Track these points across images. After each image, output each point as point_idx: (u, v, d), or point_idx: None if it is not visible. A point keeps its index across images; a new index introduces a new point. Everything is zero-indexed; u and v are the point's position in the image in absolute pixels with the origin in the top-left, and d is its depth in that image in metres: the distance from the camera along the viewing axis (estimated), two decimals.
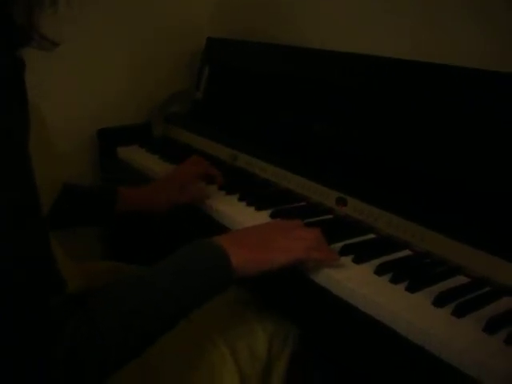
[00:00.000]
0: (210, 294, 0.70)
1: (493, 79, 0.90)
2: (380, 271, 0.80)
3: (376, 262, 0.82)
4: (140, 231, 1.12)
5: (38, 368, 0.55)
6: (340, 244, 0.87)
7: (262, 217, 1.00)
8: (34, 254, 0.56)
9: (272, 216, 0.99)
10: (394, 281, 0.78)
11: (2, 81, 0.54)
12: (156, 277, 0.66)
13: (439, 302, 0.72)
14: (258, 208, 1.03)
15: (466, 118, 0.92)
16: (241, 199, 1.07)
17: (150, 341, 0.64)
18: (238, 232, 0.83)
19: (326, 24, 1.37)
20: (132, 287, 0.65)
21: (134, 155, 1.42)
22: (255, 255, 0.73)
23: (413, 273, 0.79)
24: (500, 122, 0.88)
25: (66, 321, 0.56)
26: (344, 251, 0.86)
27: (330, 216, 1.01)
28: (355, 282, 0.77)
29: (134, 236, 1.02)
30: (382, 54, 1.09)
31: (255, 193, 1.10)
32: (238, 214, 1.02)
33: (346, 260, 0.84)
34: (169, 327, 0.66)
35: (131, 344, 0.62)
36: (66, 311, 0.57)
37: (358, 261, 0.83)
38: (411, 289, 0.75)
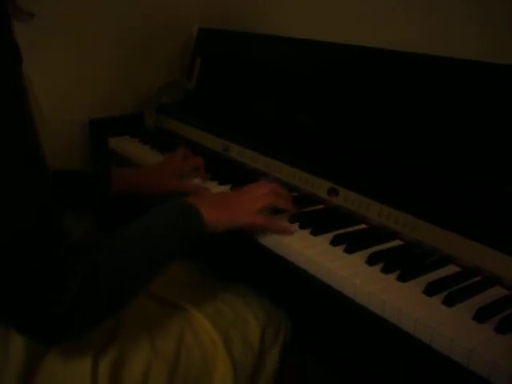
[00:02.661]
0: (187, 244, 0.78)
1: (488, 71, 0.90)
2: (371, 261, 0.80)
3: (367, 251, 0.83)
4: (137, 214, 1.11)
5: (42, 315, 0.60)
6: (331, 234, 0.88)
7: None
8: (39, 202, 0.61)
9: None
10: (386, 270, 0.78)
11: None
12: (145, 228, 0.75)
13: (430, 291, 0.72)
14: None
15: (453, 108, 0.92)
16: (233, 189, 1.07)
17: (144, 285, 0.73)
18: (206, 195, 0.94)
19: (318, 15, 1.37)
20: (127, 238, 0.72)
21: (126, 145, 1.41)
22: (221, 213, 0.84)
23: (404, 262, 0.80)
24: (489, 114, 0.88)
25: (71, 273, 0.61)
26: (336, 241, 0.86)
27: (322, 206, 1.01)
28: (346, 272, 0.77)
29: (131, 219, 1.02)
30: (372, 44, 1.09)
31: (247, 183, 1.09)
32: None
33: (338, 250, 0.84)
34: (156, 273, 0.75)
35: (130, 288, 0.70)
36: (70, 263, 0.62)
37: (349, 251, 0.83)
38: (402, 278, 0.76)
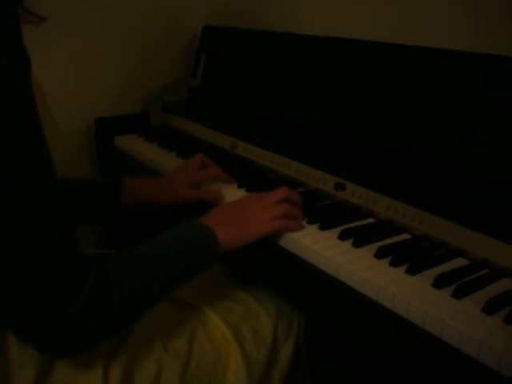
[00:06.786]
0: (200, 267, 0.79)
1: (488, 62, 0.90)
2: (380, 255, 0.80)
3: (375, 245, 0.83)
4: (144, 227, 1.12)
5: (51, 324, 0.60)
6: (339, 228, 0.88)
7: None
8: (52, 212, 0.61)
9: None
10: (394, 264, 0.78)
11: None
12: (161, 243, 0.75)
13: (439, 283, 0.73)
14: None
15: (461, 101, 0.93)
16: (240, 186, 1.08)
17: (152, 303, 0.72)
18: (219, 211, 0.88)
19: (322, 9, 1.37)
20: (142, 254, 0.72)
21: (132, 144, 1.42)
22: (236, 231, 0.83)
23: (412, 256, 0.80)
24: (493, 107, 0.88)
25: (82, 281, 0.61)
26: (343, 235, 0.86)
27: (329, 201, 1.02)
28: (355, 266, 0.78)
29: (139, 232, 1.02)
30: (379, 38, 1.09)
31: (254, 180, 1.10)
32: None
33: (346, 244, 0.85)
34: (167, 293, 0.74)
35: (141, 303, 0.69)
36: (81, 271, 0.61)
37: (357, 245, 0.84)
38: (411, 271, 0.76)
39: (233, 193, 1.05)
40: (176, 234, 0.78)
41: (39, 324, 0.60)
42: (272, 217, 0.86)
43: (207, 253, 0.79)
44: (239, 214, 0.86)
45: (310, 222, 0.91)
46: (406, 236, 0.88)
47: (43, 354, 0.68)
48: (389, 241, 0.86)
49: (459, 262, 0.80)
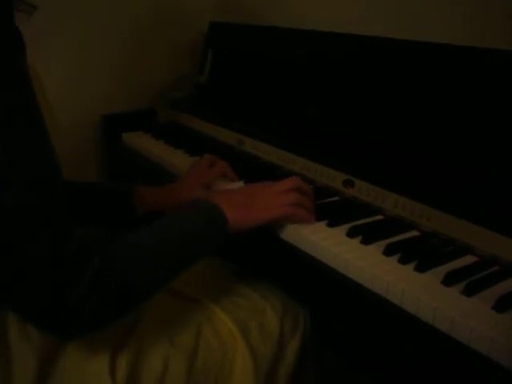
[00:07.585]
0: (208, 247, 0.79)
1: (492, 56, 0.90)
2: (388, 252, 0.80)
3: (384, 242, 0.82)
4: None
5: (53, 308, 0.60)
6: (348, 225, 0.87)
7: None
8: (53, 210, 0.61)
9: None
10: (403, 261, 0.78)
11: None
12: (166, 226, 0.75)
13: (449, 281, 0.72)
14: None
15: (468, 96, 0.92)
16: (247, 183, 1.07)
17: (154, 290, 0.72)
18: (230, 192, 0.89)
19: (325, 5, 1.37)
20: (146, 234, 0.72)
21: (139, 140, 1.42)
22: (246, 213, 0.83)
23: (421, 253, 0.79)
24: (501, 103, 0.87)
25: (83, 267, 0.61)
26: (352, 232, 0.86)
27: (337, 198, 1.01)
28: (364, 263, 0.77)
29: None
30: (385, 34, 1.09)
31: (262, 177, 1.09)
32: None
33: (355, 241, 0.84)
34: (174, 274, 0.74)
35: (144, 287, 0.70)
36: (83, 259, 0.62)
37: (366, 242, 0.83)
38: (420, 269, 0.75)
39: None
40: (184, 215, 0.78)
41: (42, 308, 0.61)
42: (282, 203, 0.85)
43: (215, 233, 0.79)
44: (249, 196, 0.86)
45: (319, 219, 0.90)
46: (414, 233, 0.88)
47: (48, 341, 0.69)
48: (397, 238, 0.85)
49: (469, 259, 0.80)
